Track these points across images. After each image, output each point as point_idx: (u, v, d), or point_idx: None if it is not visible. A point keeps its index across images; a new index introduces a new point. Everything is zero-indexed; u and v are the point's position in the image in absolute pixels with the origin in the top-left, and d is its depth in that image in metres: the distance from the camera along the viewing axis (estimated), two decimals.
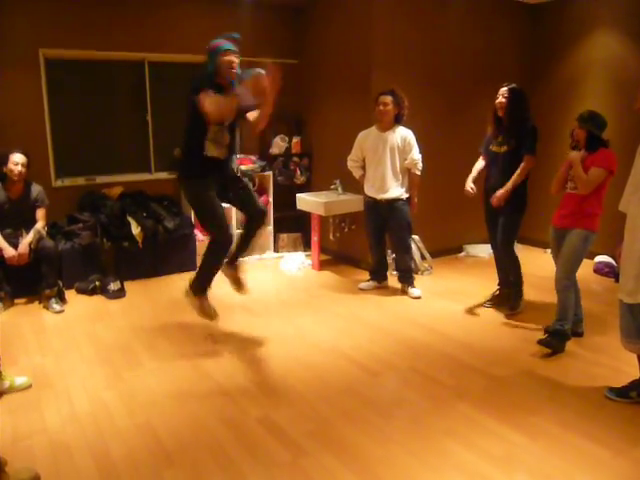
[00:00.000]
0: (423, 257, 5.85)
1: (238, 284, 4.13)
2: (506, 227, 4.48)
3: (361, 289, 5.30)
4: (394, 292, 5.25)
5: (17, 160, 4.68)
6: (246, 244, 4.11)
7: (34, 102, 5.43)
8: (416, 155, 4.94)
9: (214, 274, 3.93)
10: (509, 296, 4.68)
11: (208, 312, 3.95)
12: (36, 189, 4.92)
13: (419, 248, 5.75)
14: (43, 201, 4.94)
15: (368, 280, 5.37)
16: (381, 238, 5.24)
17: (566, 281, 3.86)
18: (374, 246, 5.27)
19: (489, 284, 4.98)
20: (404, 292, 5.20)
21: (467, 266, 6.09)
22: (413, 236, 5.49)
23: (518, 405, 3.19)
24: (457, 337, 4.19)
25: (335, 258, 6.40)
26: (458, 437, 2.86)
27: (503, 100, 4.32)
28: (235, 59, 3.73)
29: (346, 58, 5.92)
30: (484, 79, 6.28)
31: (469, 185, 4.60)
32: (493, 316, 4.62)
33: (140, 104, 6.04)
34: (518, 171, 4.29)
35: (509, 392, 3.35)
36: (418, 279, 5.36)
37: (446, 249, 6.41)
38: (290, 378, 3.55)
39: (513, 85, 4.37)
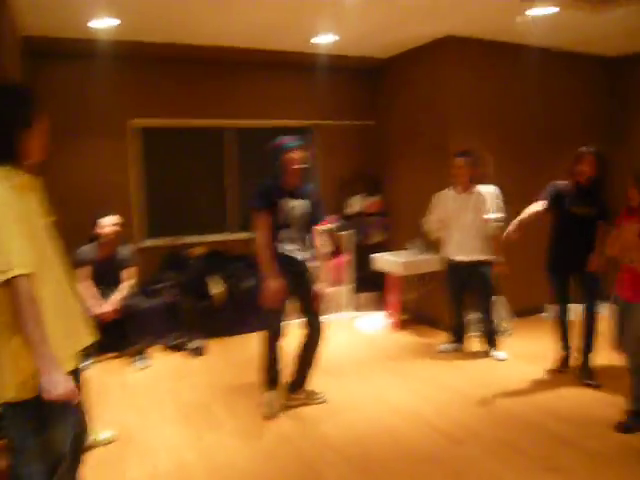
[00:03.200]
0: (504, 318, 5.64)
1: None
2: (593, 288, 4.25)
3: (441, 351, 5.15)
4: (474, 355, 5.06)
5: (113, 220, 4.95)
6: (303, 366, 4.00)
7: (121, 168, 5.79)
8: (490, 214, 4.76)
9: (272, 366, 3.85)
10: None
11: (270, 406, 3.88)
12: (126, 249, 5.15)
13: (500, 309, 5.55)
14: (132, 261, 5.16)
15: (448, 342, 5.22)
16: (462, 300, 5.09)
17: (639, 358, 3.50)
18: (454, 308, 5.13)
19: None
20: (487, 354, 5.01)
21: (550, 327, 5.80)
22: (498, 296, 5.29)
23: None
24: (543, 404, 3.96)
25: (413, 318, 6.28)
26: None
27: (587, 168, 4.08)
28: (301, 157, 3.65)
29: (422, 118, 5.97)
30: (560, 138, 6.13)
31: (514, 231, 4.20)
32: (579, 382, 4.34)
33: (220, 168, 6.33)
34: (606, 240, 3.92)
35: (604, 467, 3.10)
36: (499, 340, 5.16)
37: (527, 309, 6.15)
38: (369, 443, 3.45)
39: (595, 149, 4.11)
